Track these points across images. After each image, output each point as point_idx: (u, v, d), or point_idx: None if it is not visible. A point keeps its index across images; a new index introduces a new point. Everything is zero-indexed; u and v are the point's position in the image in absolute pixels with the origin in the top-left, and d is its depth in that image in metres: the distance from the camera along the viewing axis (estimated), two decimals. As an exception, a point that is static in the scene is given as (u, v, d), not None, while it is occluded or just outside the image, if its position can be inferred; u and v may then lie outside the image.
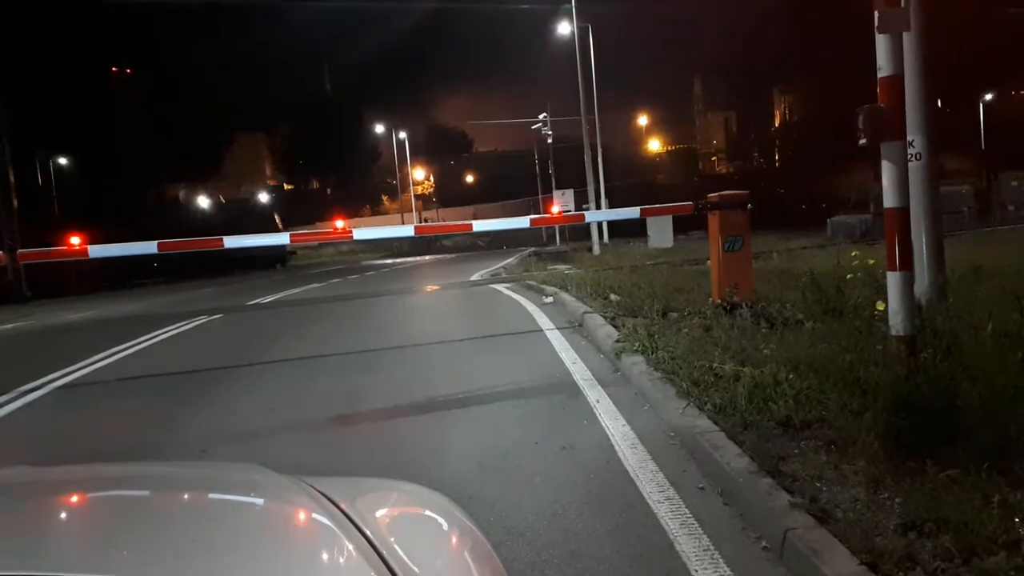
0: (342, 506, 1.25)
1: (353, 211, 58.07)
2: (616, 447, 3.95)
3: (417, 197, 63.75)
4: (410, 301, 13.92)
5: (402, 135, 58.86)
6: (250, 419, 5.27)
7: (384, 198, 74.04)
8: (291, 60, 63.62)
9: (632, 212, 9.11)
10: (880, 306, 4.77)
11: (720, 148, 77.11)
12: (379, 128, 61.79)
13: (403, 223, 53.32)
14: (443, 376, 6.19)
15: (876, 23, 4.09)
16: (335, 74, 68.60)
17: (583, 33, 26.38)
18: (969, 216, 25.08)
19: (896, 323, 4.07)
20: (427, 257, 36.91)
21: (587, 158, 25.73)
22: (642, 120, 69.51)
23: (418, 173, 69.93)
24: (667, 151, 74.89)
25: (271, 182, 70.45)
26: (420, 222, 52.76)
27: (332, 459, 4.25)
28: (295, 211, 54.32)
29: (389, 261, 34.89)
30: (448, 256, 36.64)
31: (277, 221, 37.99)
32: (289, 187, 70.76)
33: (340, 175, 65.59)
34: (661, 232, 23.17)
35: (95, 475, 1.60)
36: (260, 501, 1.39)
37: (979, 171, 36.81)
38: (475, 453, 4.05)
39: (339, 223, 8.62)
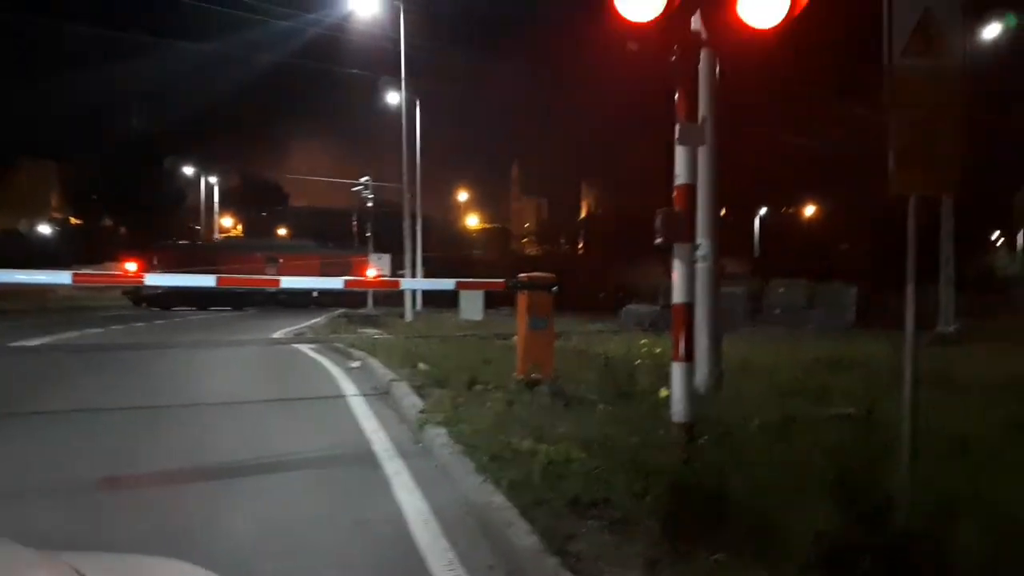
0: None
1: (150, 254, 53.88)
2: (409, 523, 3.85)
3: (223, 246, 60.45)
4: (201, 356, 12.99)
5: (212, 179, 56.03)
6: (-6, 480, 4.59)
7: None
8: (97, 92, 59.29)
9: (448, 283, 9.25)
10: (664, 393, 5.14)
11: (532, 231, 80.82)
12: (188, 170, 58.47)
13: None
14: (230, 440, 5.78)
15: (676, 136, 4.53)
16: (146, 113, 64.40)
17: (411, 105, 26.89)
18: (743, 315, 27.89)
19: (678, 410, 4.38)
20: (227, 309, 34.88)
21: (406, 225, 25.88)
22: (462, 196, 71.50)
23: (226, 221, 66.56)
24: (483, 228, 77.30)
25: (56, 214, 63.82)
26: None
27: (93, 529, 3.77)
28: (84, 248, 49.42)
29: (183, 310, 32.54)
30: (250, 310, 34.85)
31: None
32: (76, 222, 64.52)
33: (138, 215, 60.86)
34: (473, 305, 23.63)
35: None
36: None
37: (753, 276, 41.40)
38: (257, 526, 3.78)
39: (130, 266, 7.95)
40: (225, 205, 63.98)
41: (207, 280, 8.63)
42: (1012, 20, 20.81)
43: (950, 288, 20.95)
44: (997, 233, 52.09)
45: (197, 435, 5.98)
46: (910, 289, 3.51)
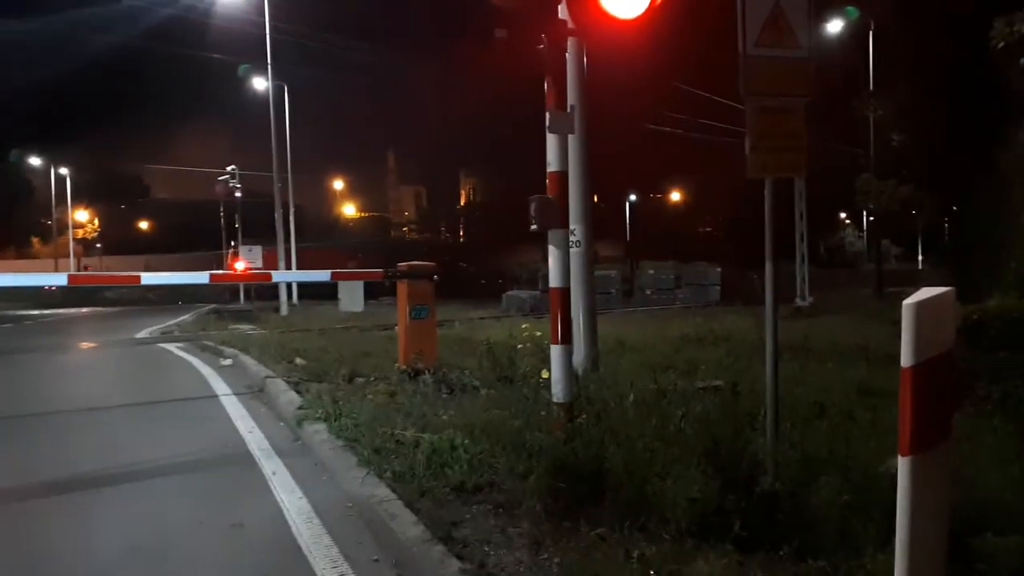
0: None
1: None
2: (290, 522, 3.75)
3: (78, 242, 56.27)
4: (56, 360, 12.06)
5: (63, 171, 51.91)
6: None
7: (34, 240, 64.23)
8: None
9: (323, 275, 9.02)
10: (545, 374, 5.24)
11: (412, 219, 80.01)
12: (35, 161, 53.86)
13: (57, 269, 46.68)
14: (92, 449, 5.41)
15: (547, 124, 4.60)
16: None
17: (279, 91, 25.93)
18: (616, 297, 28.89)
19: (557, 391, 4.48)
20: (84, 310, 32.57)
21: (278, 216, 24.98)
22: (338, 184, 69.77)
23: (81, 215, 61.88)
24: (361, 217, 75.77)
25: None
26: (79, 269, 46.51)
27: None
28: None
29: (35, 312, 30.07)
30: (111, 310, 32.68)
31: None
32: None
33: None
34: (352, 296, 23.10)
35: None
36: None
37: (624, 259, 42.91)
38: (127, 536, 3.56)
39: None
40: (79, 198, 59.47)
41: (56, 279, 8.46)
42: (853, 13, 22.56)
43: (804, 265, 22.56)
44: (844, 214, 56.44)
45: (52, 445, 5.56)
46: (769, 267, 3.73)
